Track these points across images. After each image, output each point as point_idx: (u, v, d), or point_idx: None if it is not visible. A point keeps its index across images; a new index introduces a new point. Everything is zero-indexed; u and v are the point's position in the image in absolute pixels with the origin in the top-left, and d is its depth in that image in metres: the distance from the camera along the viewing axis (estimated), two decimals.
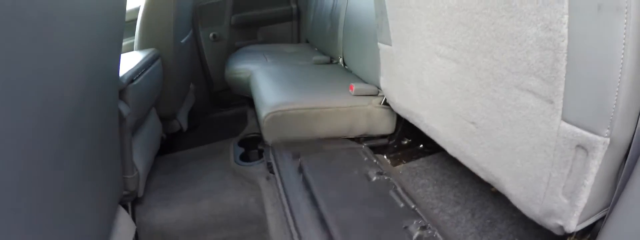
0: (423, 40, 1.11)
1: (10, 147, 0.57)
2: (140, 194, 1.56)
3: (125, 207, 1.45)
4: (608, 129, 0.64)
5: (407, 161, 1.68)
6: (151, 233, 1.54)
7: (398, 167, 1.65)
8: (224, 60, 2.53)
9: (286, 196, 1.27)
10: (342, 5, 2.06)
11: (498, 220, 1.29)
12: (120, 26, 1.11)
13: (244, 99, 2.47)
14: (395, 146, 1.68)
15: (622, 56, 0.58)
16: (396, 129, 1.63)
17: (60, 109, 0.75)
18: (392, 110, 1.51)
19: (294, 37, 3.02)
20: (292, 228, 1.13)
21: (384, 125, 1.59)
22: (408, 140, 1.68)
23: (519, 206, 0.90)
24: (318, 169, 1.40)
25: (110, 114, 1.13)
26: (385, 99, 1.52)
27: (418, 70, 1.19)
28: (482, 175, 1.02)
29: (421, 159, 1.69)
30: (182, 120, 2.18)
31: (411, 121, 1.36)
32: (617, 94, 0.61)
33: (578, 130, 0.69)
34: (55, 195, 0.76)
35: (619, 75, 0.59)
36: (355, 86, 1.58)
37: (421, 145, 1.72)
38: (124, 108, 1.29)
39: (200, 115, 2.67)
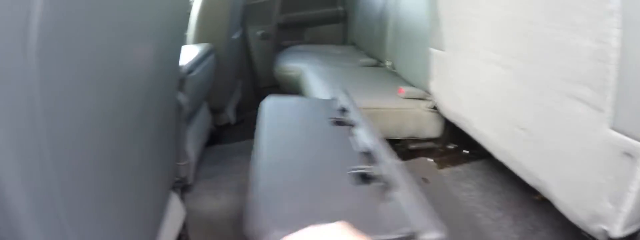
0: (479, 47, 1.14)
1: (95, 124, 0.64)
2: (190, 181, 1.59)
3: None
4: None
5: (452, 166, 1.69)
6: (199, 220, 1.56)
7: (443, 170, 1.67)
8: (271, 58, 2.59)
9: None
10: (391, 9, 2.09)
11: (540, 228, 1.29)
12: (185, 18, 1.16)
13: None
14: (441, 150, 1.70)
15: None
16: (443, 133, 1.65)
17: (136, 92, 0.81)
18: (439, 114, 1.54)
19: (340, 39, 3.04)
20: None
21: (431, 129, 1.62)
22: (454, 146, 1.70)
23: (563, 211, 0.92)
24: None
25: (171, 102, 1.19)
26: (434, 103, 1.54)
27: (471, 76, 1.22)
28: (528, 179, 1.04)
29: (465, 165, 1.69)
30: (230, 114, 2.24)
31: (459, 126, 1.38)
32: None
33: (625, 138, 0.71)
34: (123, 173, 0.80)
35: None
36: (405, 89, 1.61)
37: (466, 151, 1.73)
38: (182, 98, 1.34)
39: (246, 110, 2.74)
